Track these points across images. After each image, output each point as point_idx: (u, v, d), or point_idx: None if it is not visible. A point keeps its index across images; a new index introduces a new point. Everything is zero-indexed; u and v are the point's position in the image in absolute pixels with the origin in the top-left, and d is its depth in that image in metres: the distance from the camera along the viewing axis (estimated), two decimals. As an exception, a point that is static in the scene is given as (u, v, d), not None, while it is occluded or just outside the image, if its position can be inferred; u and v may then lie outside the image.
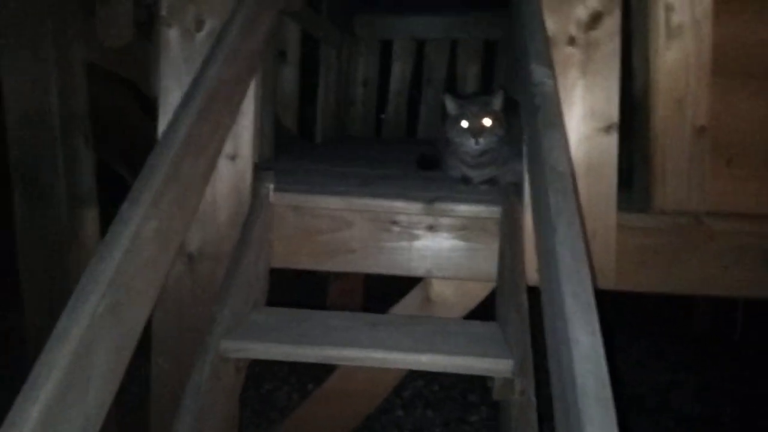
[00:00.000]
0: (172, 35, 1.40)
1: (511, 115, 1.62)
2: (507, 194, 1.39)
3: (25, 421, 0.66)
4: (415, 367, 1.16)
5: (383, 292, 3.71)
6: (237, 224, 1.39)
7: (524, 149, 1.10)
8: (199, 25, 1.39)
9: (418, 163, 2.02)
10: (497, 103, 1.56)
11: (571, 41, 1.29)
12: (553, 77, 0.98)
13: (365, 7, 3.55)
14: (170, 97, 1.42)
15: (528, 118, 1.01)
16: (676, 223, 1.36)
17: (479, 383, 3.03)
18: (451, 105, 1.59)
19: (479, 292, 1.46)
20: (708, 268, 1.33)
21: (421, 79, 3.57)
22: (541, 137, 0.88)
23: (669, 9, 1.27)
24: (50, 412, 0.68)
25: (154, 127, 3.40)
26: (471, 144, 1.55)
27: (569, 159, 0.87)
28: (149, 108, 3.24)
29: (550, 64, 1.01)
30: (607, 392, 0.62)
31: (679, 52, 1.29)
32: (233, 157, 1.39)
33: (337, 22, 3.14)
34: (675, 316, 3.53)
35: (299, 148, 2.67)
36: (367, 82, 3.63)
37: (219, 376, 1.16)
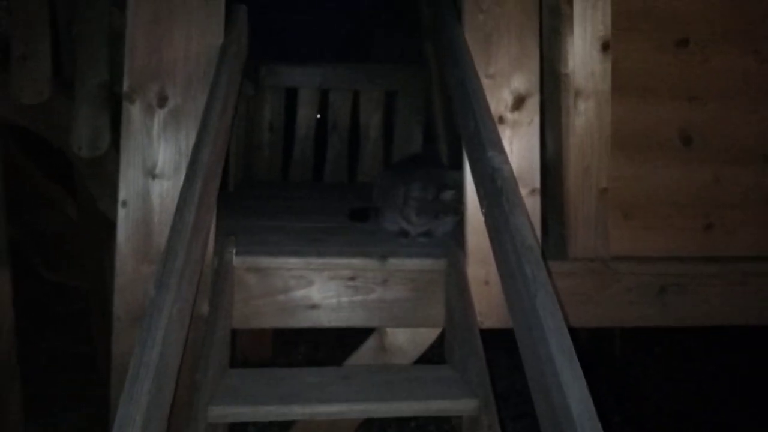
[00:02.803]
0: (135, 110, 1.44)
1: (443, 175, 1.83)
2: (451, 248, 1.58)
3: None
4: (396, 415, 1.30)
5: (289, 340, 3.79)
6: (202, 289, 1.45)
7: (485, 217, 1.29)
8: (162, 101, 1.45)
9: (351, 215, 2.17)
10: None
11: (501, 120, 1.52)
12: (508, 162, 1.19)
13: (270, 57, 3.66)
14: (131, 168, 1.46)
15: (489, 194, 1.20)
16: (587, 267, 1.62)
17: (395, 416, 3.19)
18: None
19: (429, 337, 1.63)
20: (616, 304, 1.61)
21: (327, 125, 3.72)
22: (508, 216, 1.07)
23: (577, 95, 1.55)
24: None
25: (45, 180, 3.22)
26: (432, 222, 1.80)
27: (534, 232, 1.07)
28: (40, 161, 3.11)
29: (503, 151, 1.22)
30: (598, 425, 0.81)
31: (585, 129, 1.57)
32: (198, 226, 1.45)
33: (246, 73, 3.22)
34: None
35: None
36: (273, 127, 3.72)
37: (209, 442, 1.22)
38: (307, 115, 3.70)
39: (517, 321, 1.04)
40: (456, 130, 2.93)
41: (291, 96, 3.73)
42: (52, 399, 3.13)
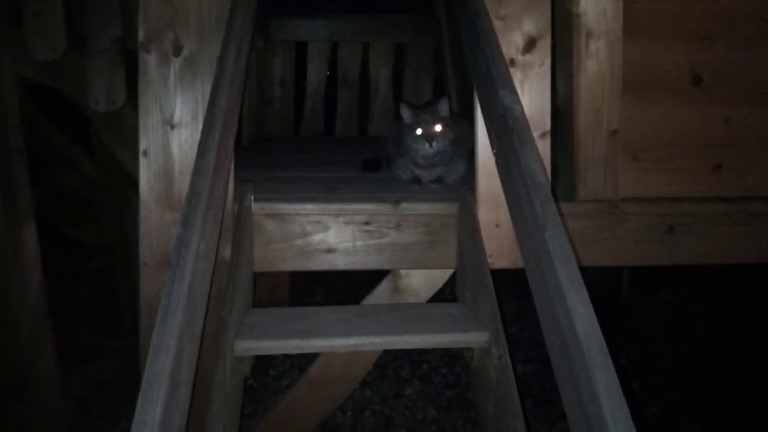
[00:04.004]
0: (151, 60, 1.47)
1: (453, 120, 1.85)
2: (463, 192, 1.62)
3: (150, 422, 0.78)
4: (409, 347, 1.36)
5: (305, 289, 3.89)
6: (224, 234, 1.51)
7: (496, 158, 1.32)
8: (177, 50, 1.47)
9: (363, 165, 2.21)
10: (444, 108, 1.78)
11: (512, 63, 1.53)
12: (519, 102, 1.22)
13: (279, 10, 3.63)
14: (150, 118, 1.50)
15: (500, 134, 1.23)
16: (596, 208, 1.65)
17: (408, 359, 3.31)
18: (405, 114, 1.80)
19: (441, 278, 1.69)
20: (624, 243, 1.65)
21: (337, 79, 3.72)
22: (519, 154, 1.10)
23: (588, 35, 1.56)
24: (166, 411, 0.81)
25: (63, 139, 3.26)
26: (426, 148, 1.77)
27: (544, 169, 1.10)
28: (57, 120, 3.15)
29: (515, 91, 1.24)
30: (604, 345, 0.86)
31: (596, 70, 1.58)
32: (218, 172, 1.49)
33: (256, 26, 3.22)
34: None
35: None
36: (284, 81, 3.73)
37: (236, 373, 1.30)
38: (317, 68, 3.70)
39: (527, 255, 1.09)
40: (466, 80, 2.92)
41: (301, 50, 3.73)
42: (81, 351, 3.26)
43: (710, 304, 3.68)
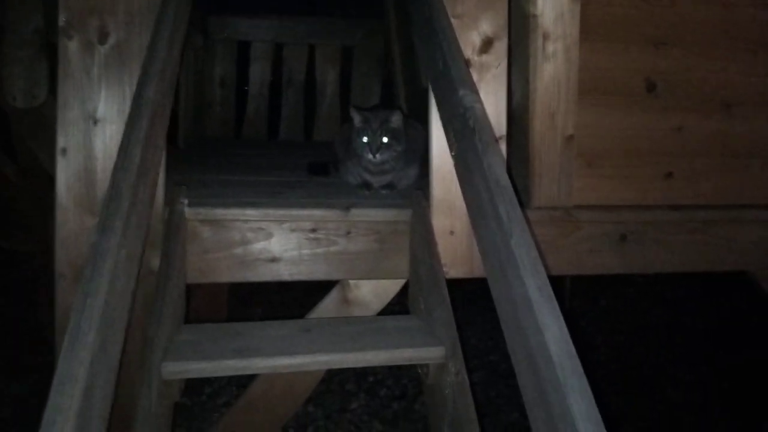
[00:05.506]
0: (72, 47, 1.32)
1: (405, 125, 1.77)
2: (416, 198, 1.53)
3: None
4: (362, 365, 1.25)
5: (245, 301, 3.71)
6: (152, 242, 1.36)
7: (455, 161, 1.24)
8: (103, 37, 1.32)
9: (310, 169, 2.09)
10: (395, 121, 1.70)
11: (468, 63, 1.46)
12: (480, 101, 1.14)
13: (219, 8, 3.47)
14: (70, 112, 1.34)
15: (460, 135, 1.15)
16: (550, 216, 1.60)
17: (353, 372, 3.19)
18: (356, 118, 1.70)
19: (392, 288, 1.59)
20: (577, 252, 1.60)
21: (281, 81, 3.58)
22: (481, 156, 1.02)
23: (545, 37, 1.51)
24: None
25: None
26: (370, 157, 1.69)
27: (507, 173, 1.03)
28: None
29: (475, 90, 1.16)
30: (579, 365, 0.78)
31: (553, 74, 1.53)
32: (147, 174, 1.35)
33: (193, 22, 3.05)
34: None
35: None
36: (225, 82, 3.56)
37: (164, 396, 1.16)
38: (260, 69, 3.55)
39: (490, 264, 1.00)
40: (417, 83, 2.85)
41: (243, 50, 3.57)
42: (-3, 368, 2.99)
43: (648, 312, 3.76)
